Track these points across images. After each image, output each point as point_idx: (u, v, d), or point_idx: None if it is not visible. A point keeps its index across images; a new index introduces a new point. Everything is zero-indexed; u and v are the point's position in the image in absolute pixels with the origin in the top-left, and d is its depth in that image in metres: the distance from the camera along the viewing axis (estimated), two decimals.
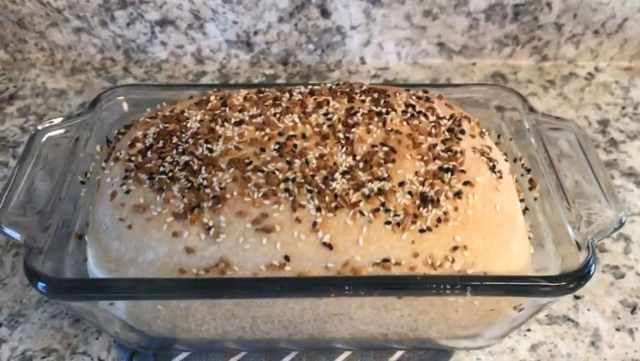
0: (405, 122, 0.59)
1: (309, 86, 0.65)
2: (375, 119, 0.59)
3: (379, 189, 0.53)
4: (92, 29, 0.97)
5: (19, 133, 0.87)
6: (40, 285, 0.50)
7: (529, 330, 0.64)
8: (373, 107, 0.60)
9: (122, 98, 0.69)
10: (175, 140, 0.58)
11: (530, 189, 0.63)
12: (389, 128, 0.58)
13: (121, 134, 0.66)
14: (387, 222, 0.52)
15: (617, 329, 0.64)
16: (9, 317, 0.65)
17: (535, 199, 0.62)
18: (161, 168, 0.55)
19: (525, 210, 0.61)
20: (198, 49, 0.99)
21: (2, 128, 0.88)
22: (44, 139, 0.63)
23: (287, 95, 0.62)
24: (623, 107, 0.92)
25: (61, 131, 0.64)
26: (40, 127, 0.64)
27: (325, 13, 0.94)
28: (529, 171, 0.64)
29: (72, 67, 0.99)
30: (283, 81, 0.97)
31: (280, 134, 0.57)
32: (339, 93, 0.63)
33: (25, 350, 0.62)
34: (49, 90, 0.95)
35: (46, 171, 0.62)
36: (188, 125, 0.59)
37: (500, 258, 0.53)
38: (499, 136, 0.70)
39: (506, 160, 0.63)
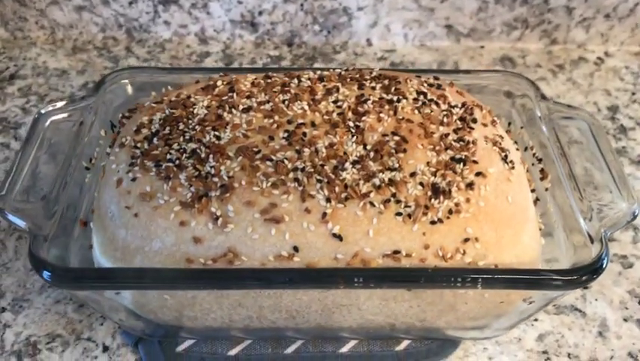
0: (416, 111, 0.58)
1: (318, 72, 0.63)
2: (386, 107, 0.57)
3: (390, 179, 0.52)
4: (94, 7, 0.95)
5: (21, 114, 0.86)
6: (46, 274, 0.49)
7: (536, 320, 0.63)
8: (384, 95, 0.59)
9: (126, 81, 0.68)
10: (182, 126, 0.57)
11: (542, 179, 0.62)
12: (400, 117, 0.57)
13: (125, 118, 0.64)
14: (398, 214, 0.51)
15: (625, 320, 0.64)
16: (13, 302, 0.64)
17: (547, 189, 0.61)
18: (168, 156, 0.54)
19: (536, 200, 0.61)
20: (202, 29, 0.97)
21: (3, 108, 0.87)
22: (48, 123, 0.62)
23: (295, 80, 0.61)
24: (633, 93, 0.91)
25: (65, 115, 0.63)
26: (43, 110, 0.62)
27: None
28: (540, 160, 0.63)
29: (73, 46, 0.97)
30: (288, 63, 0.95)
31: (289, 122, 0.56)
32: (348, 79, 0.61)
33: (29, 335, 0.62)
34: (50, 70, 0.93)
35: (50, 155, 0.61)
36: (195, 111, 0.58)
37: (511, 250, 0.53)
38: (509, 124, 0.69)
39: (517, 149, 0.62)
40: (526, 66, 0.95)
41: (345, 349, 0.60)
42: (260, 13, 0.95)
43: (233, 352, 0.60)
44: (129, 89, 0.68)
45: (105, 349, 0.61)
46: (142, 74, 0.69)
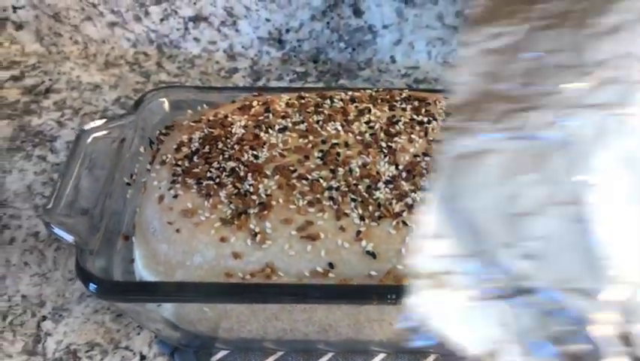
0: None
1: (350, 93, 0.66)
2: (417, 128, 0.60)
3: (422, 199, 0.54)
4: (126, 23, 0.98)
5: (56, 127, 0.89)
6: (93, 287, 0.52)
7: None
8: (414, 116, 0.61)
9: (163, 99, 0.71)
10: (221, 145, 0.59)
11: None
12: (431, 138, 0.59)
13: (163, 134, 0.67)
14: None
15: None
16: (53, 311, 0.67)
17: None
18: (208, 174, 0.57)
19: None
20: (230, 45, 1.00)
21: (39, 122, 0.90)
22: (89, 140, 0.65)
23: (328, 101, 0.64)
24: None
25: (106, 132, 0.66)
26: (85, 127, 0.65)
27: (358, 12, 0.95)
28: None
29: (105, 61, 1.00)
30: (314, 79, 0.98)
31: (323, 142, 0.59)
32: (379, 100, 0.64)
33: (69, 343, 0.64)
34: (84, 84, 0.96)
35: (92, 171, 0.64)
36: (233, 130, 0.60)
37: None
38: None
39: None
40: None
41: None
42: (287, 30, 0.98)
43: None
44: (166, 106, 0.71)
45: (142, 358, 0.63)
46: (178, 92, 0.72)
